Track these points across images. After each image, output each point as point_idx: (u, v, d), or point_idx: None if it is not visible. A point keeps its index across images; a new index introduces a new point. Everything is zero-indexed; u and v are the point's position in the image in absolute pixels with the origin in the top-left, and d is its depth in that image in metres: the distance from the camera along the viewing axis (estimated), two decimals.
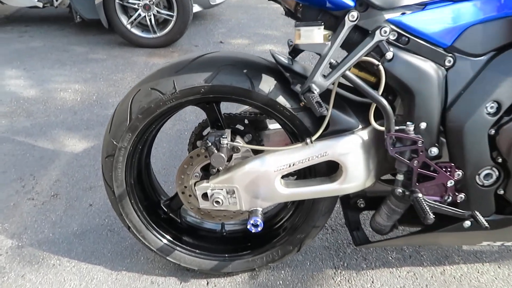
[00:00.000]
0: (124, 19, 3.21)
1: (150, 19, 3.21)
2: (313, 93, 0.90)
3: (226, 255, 1.29)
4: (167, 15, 3.23)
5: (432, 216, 0.97)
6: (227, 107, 2.16)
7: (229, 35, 3.63)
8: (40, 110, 2.38)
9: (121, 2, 3.15)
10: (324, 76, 0.94)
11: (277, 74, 1.07)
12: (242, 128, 1.27)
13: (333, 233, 1.53)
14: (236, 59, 1.08)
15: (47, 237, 1.52)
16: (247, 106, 1.32)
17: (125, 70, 2.91)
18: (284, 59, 1.07)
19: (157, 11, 3.22)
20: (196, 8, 3.46)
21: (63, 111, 2.36)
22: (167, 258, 1.28)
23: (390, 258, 1.42)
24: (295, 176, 1.27)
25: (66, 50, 3.25)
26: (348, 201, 1.26)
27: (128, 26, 3.22)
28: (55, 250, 1.47)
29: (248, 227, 1.09)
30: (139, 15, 3.22)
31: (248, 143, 1.20)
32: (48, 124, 2.24)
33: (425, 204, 1.00)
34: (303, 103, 0.92)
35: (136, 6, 3.21)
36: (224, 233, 1.36)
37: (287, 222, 1.30)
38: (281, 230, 1.29)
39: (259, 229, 1.09)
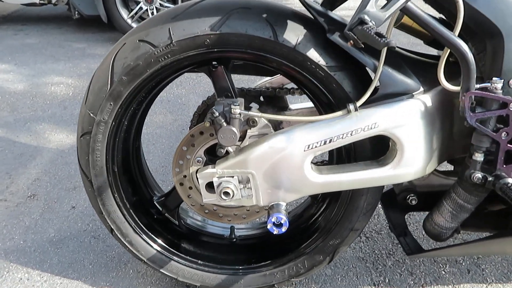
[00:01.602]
0: (124, 13, 2.99)
1: (152, 13, 2.99)
2: (367, 24, 0.63)
3: (237, 267, 1.00)
4: None
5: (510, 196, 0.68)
6: (239, 81, 1.89)
7: None
8: (26, 104, 2.13)
9: None
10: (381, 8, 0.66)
11: (307, 22, 0.80)
12: (257, 106, 1.01)
13: (368, 241, 1.24)
14: (253, 1, 0.82)
15: (16, 244, 1.24)
16: (264, 80, 1.06)
17: None
18: (316, 5, 0.81)
19: (160, 4, 3.00)
20: None
21: (52, 106, 2.11)
22: (161, 270, 0.98)
23: (443, 272, 1.12)
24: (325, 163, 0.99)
25: (62, 46, 3.02)
26: (394, 198, 0.98)
27: (129, 21, 3.00)
28: (25, 260, 1.18)
29: (269, 227, 0.80)
30: (141, 8, 2.99)
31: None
32: (33, 119, 1.98)
33: (505, 189, 0.71)
34: (351, 42, 0.65)
35: None
36: (234, 239, 1.07)
37: (316, 224, 1.00)
38: (308, 235, 0.99)
39: (284, 229, 0.80)
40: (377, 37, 0.60)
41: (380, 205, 1.06)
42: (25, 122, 1.95)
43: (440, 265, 1.14)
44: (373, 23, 0.63)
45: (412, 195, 0.95)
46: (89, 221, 1.32)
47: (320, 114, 0.88)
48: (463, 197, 0.83)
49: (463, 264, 1.14)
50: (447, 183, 0.91)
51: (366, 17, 0.64)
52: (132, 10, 3.02)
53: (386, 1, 0.68)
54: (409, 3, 0.67)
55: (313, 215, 1.03)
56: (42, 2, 3.29)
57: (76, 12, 3.20)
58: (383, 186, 0.90)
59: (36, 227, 1.31)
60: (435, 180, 0.93)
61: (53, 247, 1.23)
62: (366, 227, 1.28)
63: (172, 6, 2.97)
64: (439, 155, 0.82)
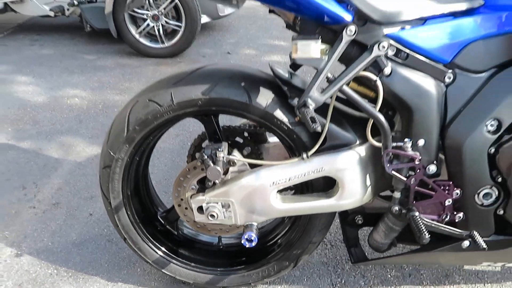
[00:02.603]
0: (133, 29, 3.25)
1: (158, 29, 3.24)
2: (308, 108, 0.89)
3: (222, 269, 1.28)
4: (175, 25, 3.26)
5: (427, 235, 0.95)
6: (227, 119, 2.16)
7: (237, 45, 3.64)
8: (46, 118, 2.40)
9: (130, 13, 3.19)
10: (321, 91, 0.93)
11: (275, 88, 1.06)
12: (241, 141, 1.26)
13: (332, 248, 1.51)
14: (234, 72, 1.08)
15: (46, 246, 1.52)
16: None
17: (132, 79, 2.94)
18: (283, 73, 1.07)
19: (165, 21, 3.25)
20: (204, 19, 3.48)
21: (68, 119, 2.38)
22: (163, 270, 1.27)
23: (389, 276, 1.39)
24: (293, 191, 1.25)
25: (75, 58, 3.29)
26: (346, 217, 1.24)
27: (137, 36, 3.26)
28: (53, 259, 1.46)
29: (243, 241, 1.08)
30: (148, 25, 3.25)
31: (247, 156, 1.20)
32: (53, 132, 2.26)
33: (421, 223, 0.98)
34: (298, 118, 0.91)
35: (145, 17, 3.24)
36: (221, 247, 1.35)
37: (283, 238, 1.28)
38: (277, 246, 1.27)
39: (253, 244, 1.08)
40: (310, 122, 0.87)
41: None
42: (46, 135, 2.23)
43: (387, 269, 1.41)
44: (312, 105, 0.90)
45: (359, 216, 1.22)
46: (104, 226, 1.60)
47: (288, 151, 1.15)
48: (391, 221, 1.10)
49: (406, 269, 1.41)
50: (387, 206, 1.18)
51: (309, 100, 0.91)
52: (139, 26, 3.28)
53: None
54: (344, 86, 0.93)
55: (281, 230, 1.30)
56: (56, 14, 3.55)
57: (88, 26, 3.47)
58: None
59: (60, 231, 1.59)
60: (378, 204, 1.20)
61: (75, 248, 1.51)
62: (332, 237, 1.56)
63: (176, 24, 3.23)
64: (373, 190, 1.08)
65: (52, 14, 3.51)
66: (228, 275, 1.27)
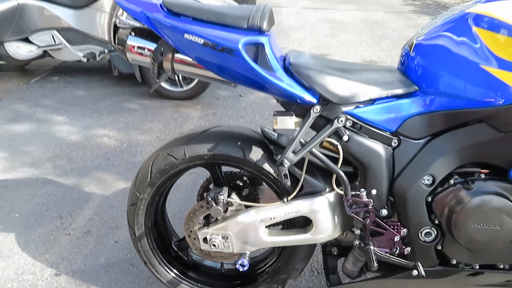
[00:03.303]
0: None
1: (177, 75, 3.63)
2: (284, 166, 1.20)
3: None
4: None
5: (376, 265, 1.22)
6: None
7: (248, 89, 4.00)
8: (79, 155, 2.77)
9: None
10: (295, 153, 1.24)
11: (264, 146, 1.37)
12: (241, 184, 1.56)
13: (318, 275, 1.77)
14: (233, 133, 1.40)
15: (79, 267, 1.84)
16: None
17: (154, 120, 3.31)
18: (271, 133, 1.38)
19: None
20: None
21: (98, 157, 2.74)
22: None
23: None
24: (281, 226, 1.54)
25: (104, 100, 3.69)
26: (326, 249, 1.52)
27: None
28: (86, 278, 1.77)
29: (237, 266, 1.37)
30: None
31: (245, 196, 1.50)
32: (85, 168, 2.61)
33: (373, 255, 1.25)
34: (276, 173, 1.22)
35: None
36: (223, 271, 1.63)
37: (272, 265, 1.56)
38: (267, 272, 1.55)
39: (246, 268, 1.37)
40: (283, 178, 1.18)
41: None
42: (79, 171, 2.58)
43: None
44: (288, 164, 1.21)
45: (335, 248, 1.49)
46: (127, 252, 1.91)
47: (276, 194, 1.45)
48: (357, 252, 1.38)
49: None
50: None
51: (284, 160, 1.21)
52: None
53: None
54: (313, 149, 1.24)
55: (271, 259, 1.59)
56: (88, 59, 3.99)
57: (116, 70, 3.88)
58: None
59: (91, 255, 1.90)
60: (351, 238, 1.48)
61: (103, 270, 1.82)
62: (319, 265, 1.82)
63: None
64: (341, 227, 1.36)
65: (84, 60, 3.95)
66: None
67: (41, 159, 2.72)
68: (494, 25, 1.12)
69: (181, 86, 3.67)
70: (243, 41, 1.15)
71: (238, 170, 1.53)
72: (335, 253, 1.50)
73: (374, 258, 1.25)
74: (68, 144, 2.92)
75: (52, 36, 3.96)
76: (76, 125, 3.22)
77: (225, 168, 1.47)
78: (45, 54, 4.02)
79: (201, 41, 1.17)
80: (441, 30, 1.23)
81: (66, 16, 3.91)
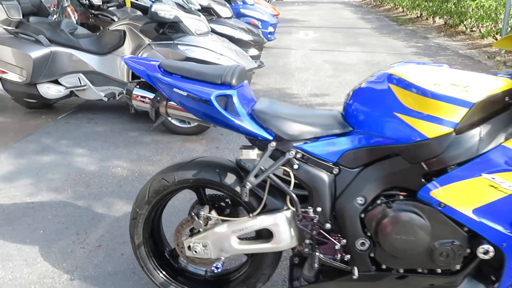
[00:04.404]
0: None
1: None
2: (246, 188, 1.57)
3: None
4: None
5: (316, 266, 1.55)
6: None
7: None
8: (95, 182, 3.18)
9: None
10: (256, 177, 1.60)
11: (237, 172, 1.74)
12: (224, 204, 1.92)
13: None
14: (213, 162, 1.78)
15: (90, 274, 2.19)
16: None
17: (163, 153, 3.72)
18: (244, 163, 1.75)
19: None
20: None
21: (112, 184, 3.15)
22: None
23: None
24: (253, 236, 1.88)
25: (121, 134, 4.15)
26: (291, 259, 1.85)
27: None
28: (94, 283, 2.13)
29: (212, 268, 1.71)
30: None
31: (228, 214, 1.85)
32: (100, 193, 3.02)
33: (317, 260, 1.58)
34: (241, 193, 1.58)
35: None
36: (206, 277, 1.97)
37: (245, 271, 1.89)
38: (240, 277, 1.88)
39: (219, 270, 1.70)
40: (245, 197, 1.54)
41: None
42: (95, 196, 2.99)
43: None
44: (249, 186, 1.57)
45: (296, 257, 1.82)
46: (131, 263, 2.26)
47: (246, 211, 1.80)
48: (311, 259, 1.70)
49: None
50: None
51: (247, 183, 1.58)
52: None
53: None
54: (270, 174, 1.60)
55: (244, 267, 1.92)
56: (109, 98, 4.48)
57: (133, 108, 4.35)
58: None
59: (101, 265, 2.26)
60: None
61: (110, 277, 2.17)
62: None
63: None
64: (298, 238, 1.69)
65: (105, 99, 4.45)
66: None
67: (63, 185, 3.15)
68: (403, 84, 1.49)
69: (189, 123, 4.10)
70: (215, 94, 1.56)
71: (221, 194, 1.90)
72: (296, 261, 1.82)
73: (316, 262, 1.58)
74: (87, 173, 3.34)
75: (79, 79, 4.50)
76: (94, 156, 3.66)
77: (211, 191, 1.83)
78: (71, 93, 4.56)
79: (185, 93, 1.58)
80: (369, 84, 1.61)
81: (91, 61, 4.46)
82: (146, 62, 1.71)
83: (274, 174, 1.68)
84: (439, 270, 1.57)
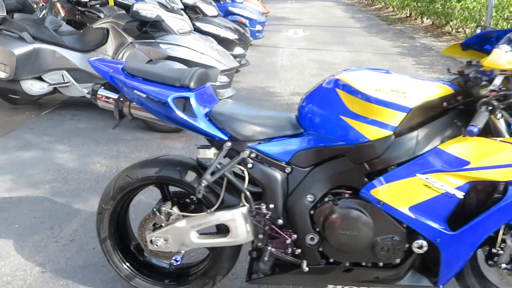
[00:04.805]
0: None
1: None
2: (201, 185, 1.66)
3: (169, 283, 1.99)
4: None
5: (266, 259, 1.65)
6: None
7: None
8: (74, 178, 3.26)
9: None
10: (212, 175, 1.69)
11: (197, 171, 1.83)
12: (189, 201, 2.01)
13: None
14: (176, 160, 1.87)
15: (62, 267, 2.28)
16: None
17: (142, 150, 3.80)
18: (205, 162, 1.84)
19: None
20: None
21: (89, 180, 3.23)
22: (130, 282, 1.99)
23: None
24: (215, 231, 1.97)
25: (103, 131, 4.22)
26: (250, 253, 1.94)
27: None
28: (65, 276, 2.21)
29: (172, 261, 1.80)
30: None
31: (192, 211, 1.93)
32: (78, 189, 3.10)
33: (267, 254, 1.68)
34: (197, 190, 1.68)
35: None
36: (171, 270, 2.06)
37: (205, 265, 1.98)
38: (201, 270, 1.97)
39: (179, 263, 1.79)
40: (197, 192, 1.63)
41: None
42: (72, 191, 3.06)
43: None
44: (205, 183, 1.66)
45: (254, 252, 1.91)
46: (101, 256, 2.32)
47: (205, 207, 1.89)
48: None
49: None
50: None
51: (203, 181, 1.67)
52: None
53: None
54: (226, 172, 1.69)
55: (204, 261, 2.01)
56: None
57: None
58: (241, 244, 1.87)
59: (73, 258, 2.35)
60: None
61: (80, 269, 2.26)
62: None
63: None
64: (253, 233, 1.79)
65: (89, 96, 4.51)
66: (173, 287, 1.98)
67: (42, 181, 3.22)
68: (348, 89, 1.59)
69: None
70: (173, 96, 1.64)
71: (185, 191, 1.98)
72: (254, 255, 1.91)
73: (267, 256, 1.68)
74: (66, 169, 3.42)
75: (62, 75, 4.56)
76: (75, 153, 3.73)
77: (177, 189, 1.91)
78: (55, 90, 4.61)
79: (144, 95, 1.66)
80: (318, 89, 1.70)
81: (75, 58, 4.53)
82: (110, 64, 1.80)
83: (235, 173, 1.78)
84: (381, 264, 1.68)
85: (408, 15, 13.44)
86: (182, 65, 4.15)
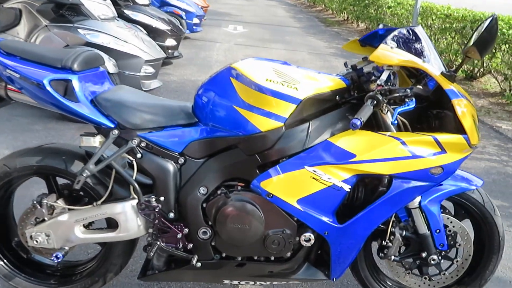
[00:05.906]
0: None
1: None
2: (83, 176, 1.53)
3: (54, 283, 1.83)
4: None
5: (152, 254, 1.56)
6: None
7: None
8: None
9: None
10: (96, 165, 1.57)
11: (85, 160, 1.70)
12: (82, 194, 1.86)
13: None
14: (61, 149, 1.72)
15: None
16: None
17: (53, 141, 3.53)
18: (89, 150, 1.69)
19: None
20: None
21: None
22: (10, 282, 1.81)
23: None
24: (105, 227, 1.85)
25: (10, 120, 3.88)
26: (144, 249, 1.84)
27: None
28: None
29: (52, 258, 1.66)
30: None
31: (84, 204, 1.79)
32: None
33: (155, 249, 1.59)
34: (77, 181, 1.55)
35: None
36: (59, 268, 1.90)
37: (94, 263, 1.85)
38: (90, 267, 1.84)
39: (60, 260, 1.65)
40: (76, 183, 1.51)
41: None
42: None
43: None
44: (87, 173, 1.54)
45: (149, 247, 1.81)
46: None
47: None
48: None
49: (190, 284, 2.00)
50: None
51: (85, 170, 1.54)
52: None
53: None
54: (113, 162, 1.58)
55: (95, 257, 1.89)
56: None
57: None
58: (135, 239, 1.76)
59: None
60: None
61: None
62: None
63: None
64: (144, 227, 1.69)
65: None
66: (58, 286, 1.83)
67: None
68: (241, 78, 1.54)
69: None
70: (50, 77, 1.50)
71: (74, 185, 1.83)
72: (150, 251, 1.81)
73: (156, 250, 1.59)
74: None
75: None
76: None
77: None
78: None
79: (18, 75, 1.50)
80: (214, 78, 1.64)
81: None
82: None
83: (129, 163, 1.67)
84: (272, 258, 1.65)
85: (345, 18, 13.88)
86: (101, 52, 3.93)
